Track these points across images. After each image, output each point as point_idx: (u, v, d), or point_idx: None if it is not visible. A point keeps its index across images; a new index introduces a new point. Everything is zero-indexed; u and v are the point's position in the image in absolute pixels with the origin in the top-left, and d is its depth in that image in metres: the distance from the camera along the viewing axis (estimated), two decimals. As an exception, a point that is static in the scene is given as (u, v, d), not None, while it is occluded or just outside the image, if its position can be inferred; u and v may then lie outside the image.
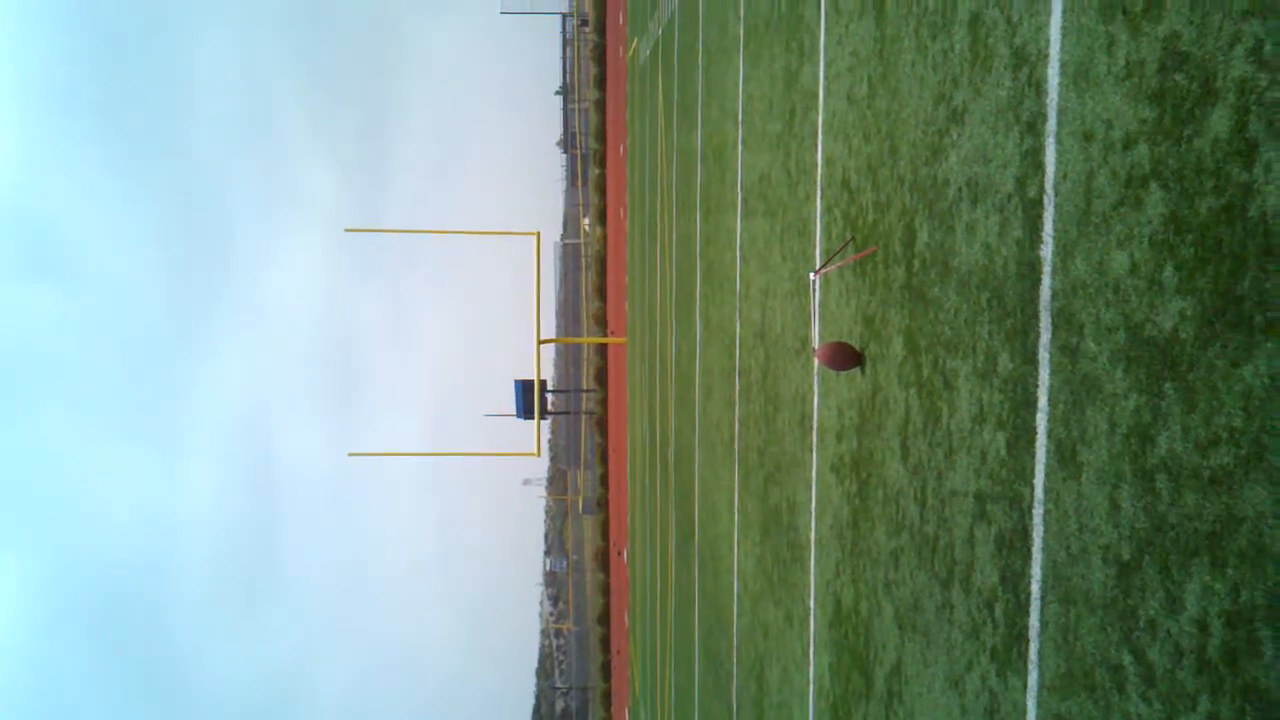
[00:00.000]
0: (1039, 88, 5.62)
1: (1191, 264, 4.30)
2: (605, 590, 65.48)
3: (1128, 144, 4.77)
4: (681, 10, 24.56)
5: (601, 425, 62.50)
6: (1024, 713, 5.64)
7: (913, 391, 7.51)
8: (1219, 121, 4.16)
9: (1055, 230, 5.40)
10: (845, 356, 8.79)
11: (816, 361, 10.40)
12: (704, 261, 19.23)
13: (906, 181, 7.75)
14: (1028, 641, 5.62)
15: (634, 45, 40.42)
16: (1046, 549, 5.42)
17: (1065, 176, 5.31)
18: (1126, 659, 4.68)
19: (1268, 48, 3.90)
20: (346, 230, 33.15)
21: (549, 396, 46.04)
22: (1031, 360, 5.63)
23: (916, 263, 7.47)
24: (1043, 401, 5.50)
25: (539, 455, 36.22)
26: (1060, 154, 5.37)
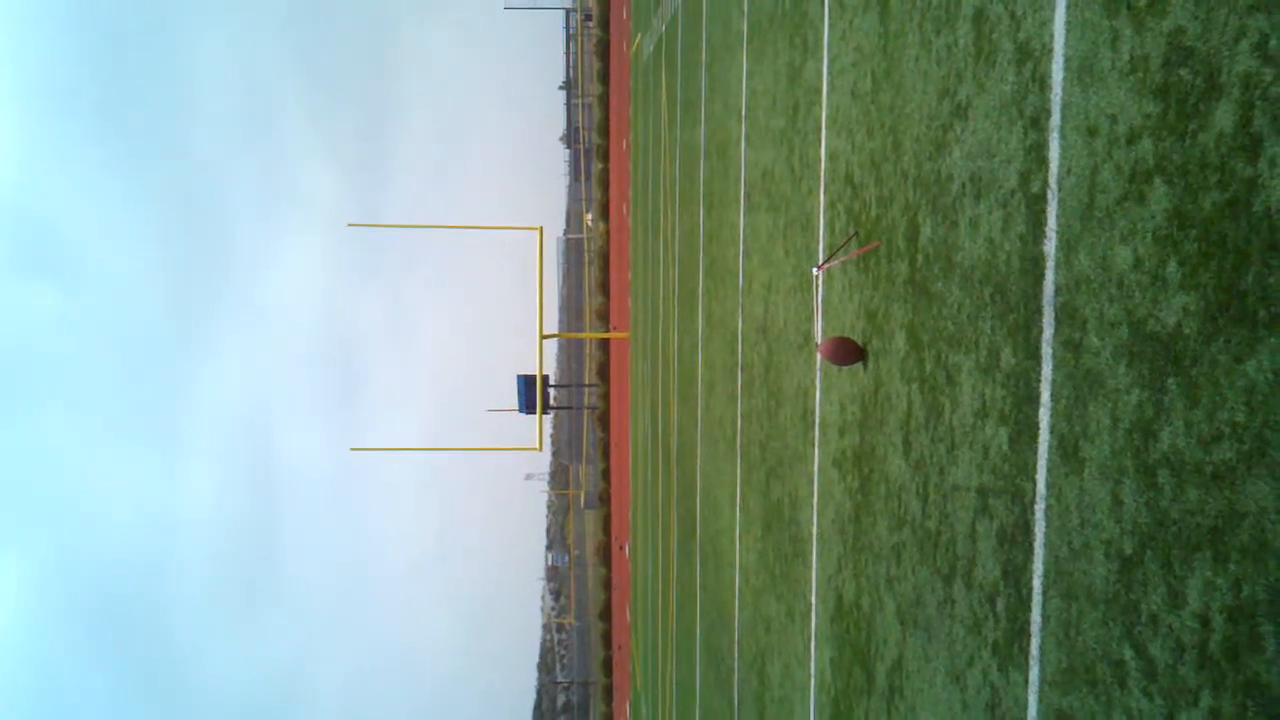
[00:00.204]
0: (1043, 83, 5.61)
1: (1195, 259, 4.30)
2: (607, 585, 65.56)
3: (1132, 139, 4.76)
4: (685, 5, 24.52)
5: (603, 420, 62.53)
6: (1025, 708, 5.64)
7: (915, 386, 7.51)
8: (1223, 116, 4.15)
9: (1059, 225, 5.40)
10: (848, 351, 8.79)
11: (819, 356, 10.40)
12: (707, 257, 19.22)
13: (910, 177, 7.74)
14: (1029, 636, 5.62)
15: (637, 40, 40.38)
16: (1048, 544, 5.43)
17: (1069, 171, 5.30)
18: (1128, 654, 4.68)
19: (1273, 43, 3.89)
20: (349, 225, 33.17)
21: (551, 392, 46.04)
22: (1034, 355, 5.63)
23: (920, 258, 7.47)
24: (1045, 396, 5.50)
25: (541, 450, 36.26)
26: (1064, 149, 5.36)
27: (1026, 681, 5.64)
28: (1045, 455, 5.49)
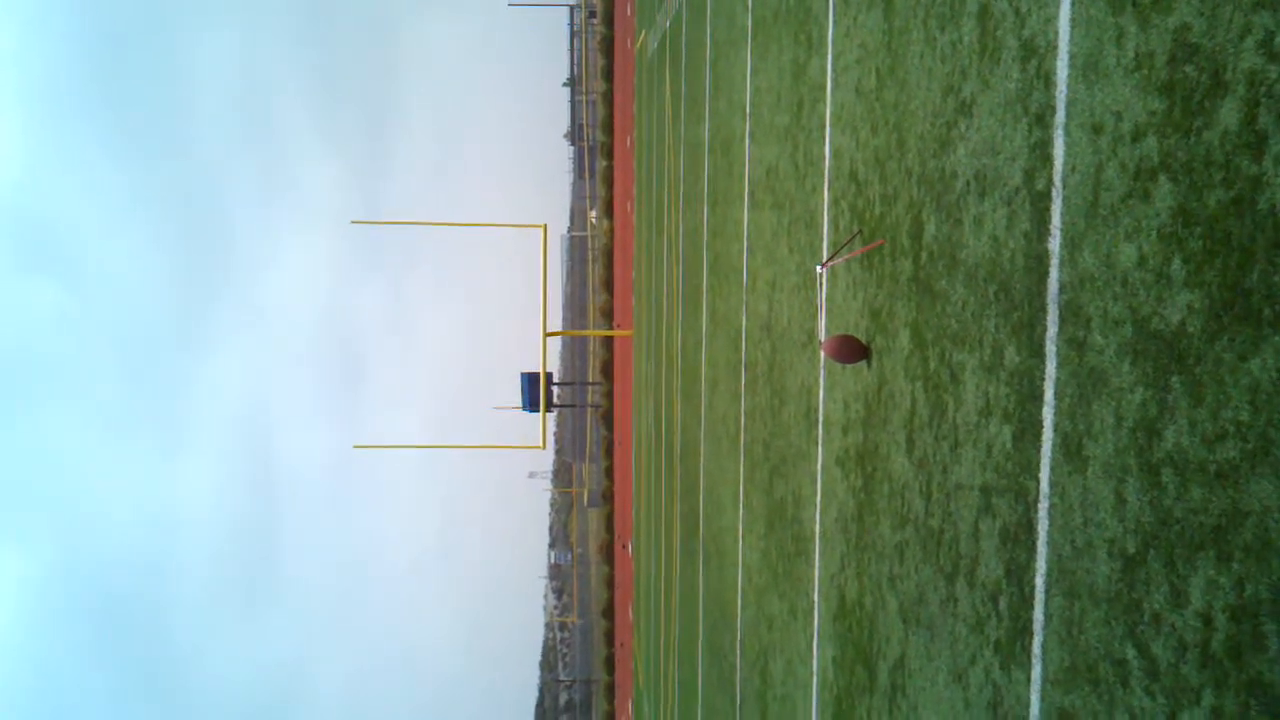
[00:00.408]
0: (1048, 80, 5.59)
1: (1200, 257, 4.28)
2: (609, 583, 65.58)
3: (1137, 136, 4.74)
4: (689, 3, 24.50)
5: (607, 418, 62.53)
6: (1027, 706, 5.63)
7: (919, 385, 7.50)
8: (1229, 114, 4.13)
9: (1063, 223, 5.38)
10: (851, 349, 8.77)
11: (823, 354, 10.38)
12: (711, 254, 19.21)
13: (914, 174, 7.72)
14: (1032, 635, 5.61)
15: (642, 37, 40.35)
16: (1051, 543, 5.41)
17: (1074, 169, 5.29)
18: (1131, 653, 4.67)
19: (1278, 39, 3.87)
20: (352, 222, 33.19)
21: (555, 389, 46.06)
22: (1038, 353, 5.62)
23: (924, 255, 7.45)
24: (1049, 395, 5.49)
25: (544, 448, 36.28)
26: (1069, 146, 5.35)
27: (1029, 680, 5.63)
28: (1049, 454, 5.47)
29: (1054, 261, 5.47)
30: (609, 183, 62.69)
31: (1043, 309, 5.58)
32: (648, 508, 33.86)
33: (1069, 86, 5.36)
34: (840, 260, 9.56)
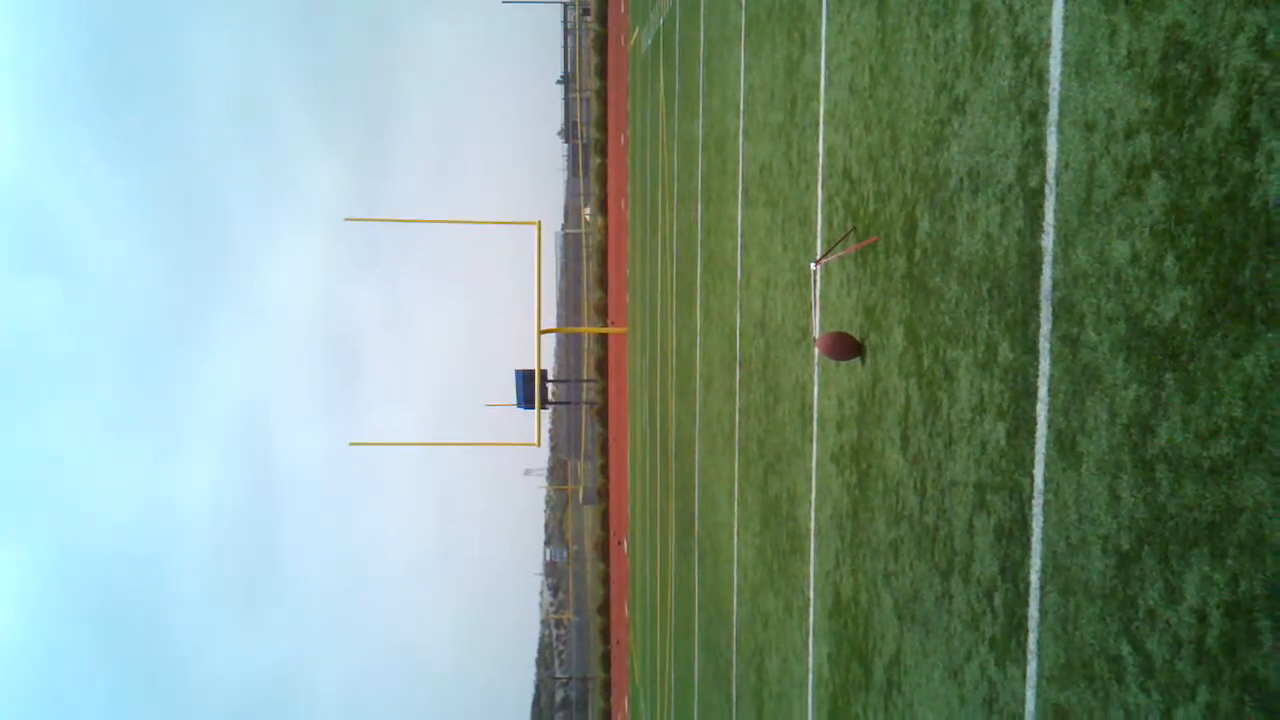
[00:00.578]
0: (1041, 77, 5.60)
1: (1192, 254, 4.29)
2: (605, 580, 65.60)
3: (1129, 133, 4.75)
4: (683, 0, 24.48)
5: (602, 415, 62.53)
6: (1023, 703, 5.65)
7: (913, 382, 7.51)
8: (1221, 111, 4.14)
9: (1056, 220, 5.39)
10: (846, 346, 8.78)
11: (817, 351, 10.39)
12: (705, 251, 19.21)
13: (908, 171, 7.73)
14: (1027, 631, 5.62)
15: (636, 34, 40.32)
16: (1046, 539, 5.43)
17: (1067, 166, 5.30)
18: (1125, 649, 4.68)
19: (1270, 37, 3.88)
20: (346, 219, 33.12)
21: (549, 387, 46.05)
22: (1032, 350, 5.62)
23: (917, 252, 7.46)
24: (1043, 391, 5.50)
25: (539, 445, 36.27)
26: (1062, 143, 5.35)
27: (1024, 676, 5.64)
28: (1043, 450, 5.49)
29: (1047, 258, 5.48)
30: (603, 180, 62.65)
31: (1036, 306, 5.59)
32: (643, 505, 33.88)
33: (1062, 84, 5.37)
34: (834, 257, 9.57)
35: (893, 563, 7.90)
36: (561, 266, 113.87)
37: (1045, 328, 5.49)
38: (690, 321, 21.15)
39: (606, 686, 65.61)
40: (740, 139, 15.43)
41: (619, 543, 56.19)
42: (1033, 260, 5.64)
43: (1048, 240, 5.47)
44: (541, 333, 34.45)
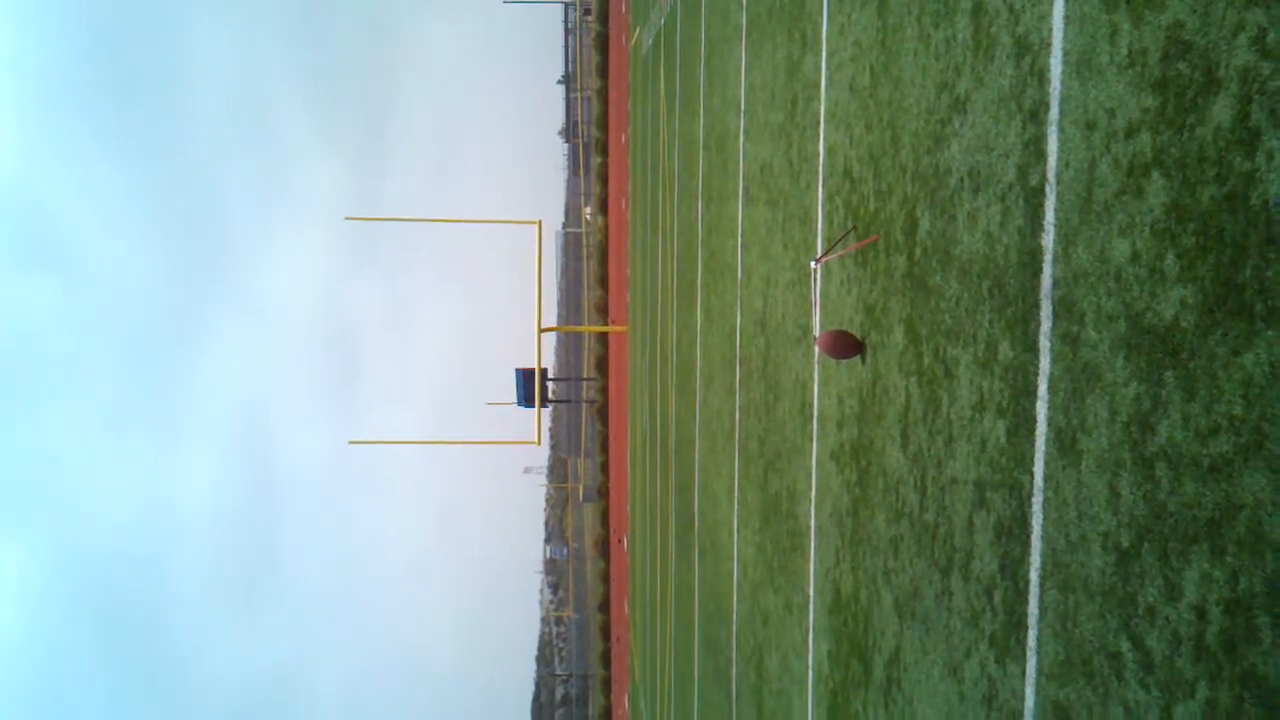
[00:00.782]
0: (1041, 76, 5.61)
1: (1193, 252, 4.31)
2: (605, 578, 65.62)
3: (1130, 132, 4.77)
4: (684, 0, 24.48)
5: (602, 414, 62.54)
6: (1022, 700, 5.66)
7: (913, 380, 7.53)
8: (1221, 110, 4.16)
9: (1057, 219, 5.40)
10: (846, 345, 8.80)
11: (817, 350, 10.41)
12: (705, 250, 19.22)
13: (908, 170, 7.74)
14: (1026, 629, 5.64)
15: (636, 34, 40.31)
16: (1046, 536, 5.44)
17: (1067, 165, 5.31)
18: (1125, 646, 4.70)
19: (1271, 36, 3.89)
20: (346, 219, 33.13)
21: (550, 385, 46.04)
22: (1032, 348, 5.64)
23: (918, 251, 7.48)
24: (1043, 389, 5.51)
25: (540, 444, 36.29)
26: (1062, 142, 5.37)
27: (1024, 673, 5.66)
28: (1043, 448, 5.50)
29: (1048, 257, 5.49)
30: (604, 179, 62.64)
31: (1036, 304, 5.60)
32: (643, 503, 33.90)
33: (1063, 83, 5.38)
34: (835, 256, 9.58)
35: (893, 560, 7.92)
36: (562, 265, 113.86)
37: (1045, 326, 5.51)
38: (691, 320, 21.17)
39: (607, 684, 65.63)
40: (741, 138, 15.45)
41: (619, 540, 56.21)
42: (1033, 259, 5.65)
43: (1048, 239, 5.49)
44: (542, 331, 34.47)
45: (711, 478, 17.96)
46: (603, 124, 63.28)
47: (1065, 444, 5.26)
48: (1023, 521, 5.71)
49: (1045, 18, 5.59)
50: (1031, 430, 5.64)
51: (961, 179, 6.68)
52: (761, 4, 14.10)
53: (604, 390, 62.23)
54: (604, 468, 64.22)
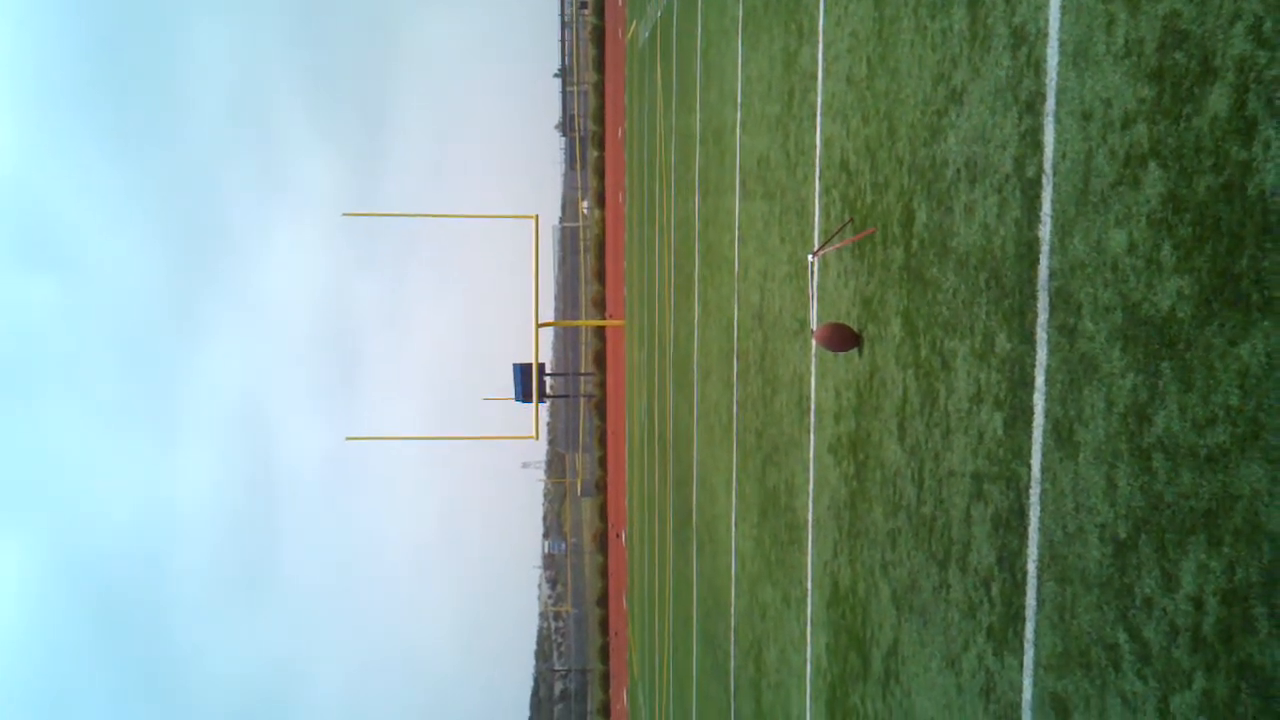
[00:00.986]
0: (1038, 67, 5.60)
1: (1189, 243, 4.30)
2: (604, 573, 65.67)
3: (1126, 123, 4.75)
4: (680, -9, 24.42)
5: (600, 408, 62.53)
6: (1020, 691, 5.67)
7: (910, 372, 7.52)
8: (1218, 100, 4.14)
9: (1053, 210, 5.39)
10: (843, 338, 8.79)
11: (814, 343, 10.40)
12: (702, 244, 19.20)
13: (905, 162, 7.73)
14: (1024, 621, 5.64)
15: (633, 27, 40.24)
16: (1043, 528, 5.44)
17: (1064, 156, 5.30)
18: (1122, 637, 4.70)
19: (1268, 25, 3.88)
20: (344, 214, 33.08)
21: (547, 380, 46.04)
22: (1029, 340, 5.63)
23: (915, 243, 7.46)
24: (1040, 381, 5.51)
25: (537, 439, 36.29)
26: (1059, 133, 5.36)
27: (1021, 665, 5.66)
28: (1040, 440, 5.50)
29: (1044, 248, 5.48)
30: (600, 173, 62.55)
31: (1033, 296, 5.59)
32: (641, 497, 33.91)
33: (1059, 74, 5.37)
34: (832, 249, 9.57)
35: (890, 553, 7.92)
36: (559, 260, 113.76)
37: (1042, 318, 5.50)
38: (688, 314, 21.15)
39: (605, 678, 65.72)
40: (738, 131, 15.42)
41: (617, 535, 56.24)
42: (1030, 250, 5.64)
43: (1045, 230, 5.48)
44: (539, 326, 34.45)
45: (709, 471, 17.96)
46: (599, 118, 63.17)
47: (1062, 435, 5.26)
48: (1020, 514, 5.71)
49: (1042, 8, 5.57)
50: (1029, 422, 5.63)
51: (958, 171, 6.67)
52: (758, -4, 14.06)
53: (602, 385, 62.22)
54: (602, 462, 64.23)
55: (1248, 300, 3.96)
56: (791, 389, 11.61)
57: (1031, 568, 5.56)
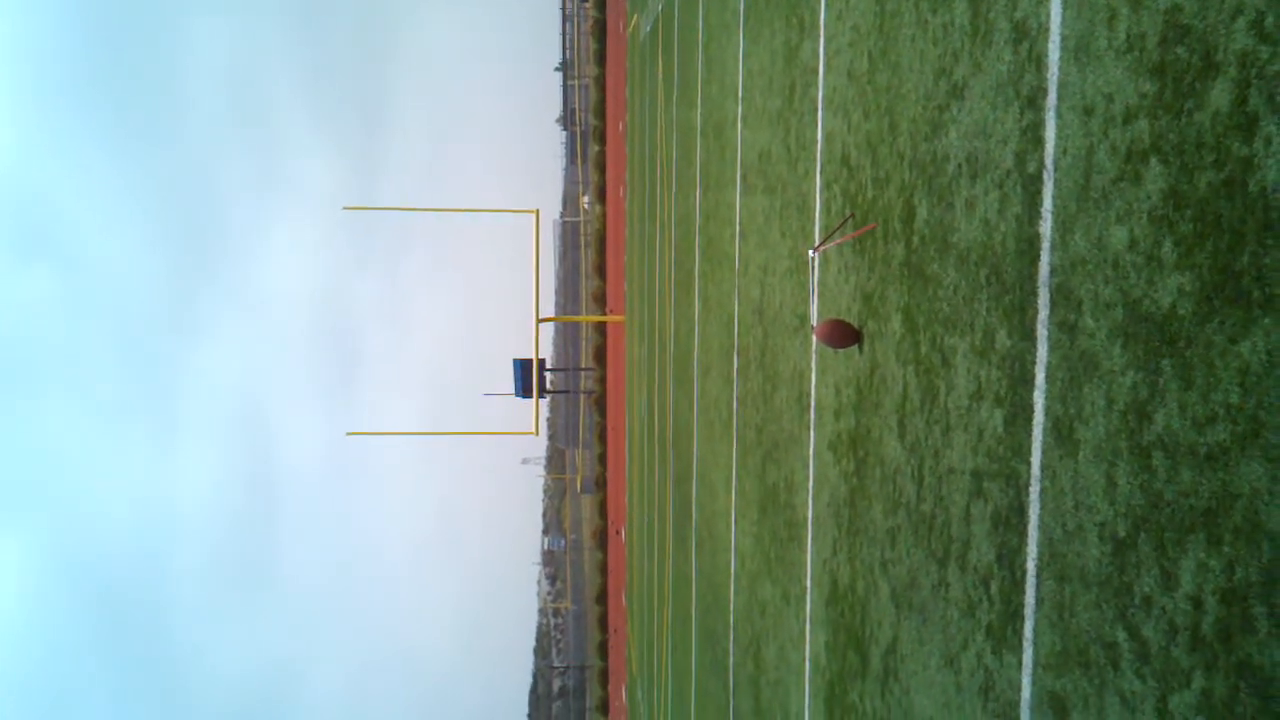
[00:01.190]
0: (1039, 62, 5.56)
1: (1190, 239, 4.27)
2: (603, 569, 65.70)
3: (1128, 118, 4.72)
4: (681, -14, 24.36)
5: (600, 404, 62.52)
6: (1019, 690, 5.65)
7: (911, 369, 7.49)
8: (1220, 95, 4.11)
9: (1054, 206, 5.36)
10: (843, 334, 8.76)
11: (815, 339, 10.37)
12: (703, 239, 19.17)
13: (906, 158, 7.69)
14: (1023, 619, 5.62)
15: (634, 21, 40.17)
16: (1043, 526, 5.42)
17: (1065, 151, 5.27)
18: (1121, 636, 4.68)
19: (1269, 20, 3.85)
20: (345, 208, 33.05)
21: (547, 375, 46.01)
22: (1029, 337, 5.61)
23: (915, 239, 7.43)
24: (1040, 378, 5.48)
25: (537, 434, 36.27)
26: (1060, 129, 5.32)
27: (1020, 664, 5.64)
28: (1040, 437, 5.47)
29: (1045, 245, 5.45)
30: (601, 168, 62.49)
31: (1034, 292, 5.57)
32: (641, 493, 33.90)
33: (1060, 69, 5.34)
34: (832, 245, 9.54)
35: (890, 551, 7.90)
36: (560, 255, 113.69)
37: (1043, 314, 5.47)
38: (688, 309, 21.12)
39: (604, 675, 65.77)
40: (739, 125, 15.38)
41: (617, 532, 56.26)
42: (1031, 246, 5.61)
43: (1046, 226, 5.45)
44: (540, 321, 34.42)
45: (709, 468, 17.94)
46: (600, 112, 63.09)
47: (1062, 433, 5.23)
48: (1020, 511, 5.69)
49: (1043, 2, 5.54)
50: (1029, 419, 5.61)
51: (959, 166, 6.64)
52: (759, -9, 14.02)
53: (602, 380, 62.21)
54: (602, 459, 64.23)
55: (1249, 297, 3.93)
56: (792, 385, 11.58)
57: (1031, 566, 5.54)
